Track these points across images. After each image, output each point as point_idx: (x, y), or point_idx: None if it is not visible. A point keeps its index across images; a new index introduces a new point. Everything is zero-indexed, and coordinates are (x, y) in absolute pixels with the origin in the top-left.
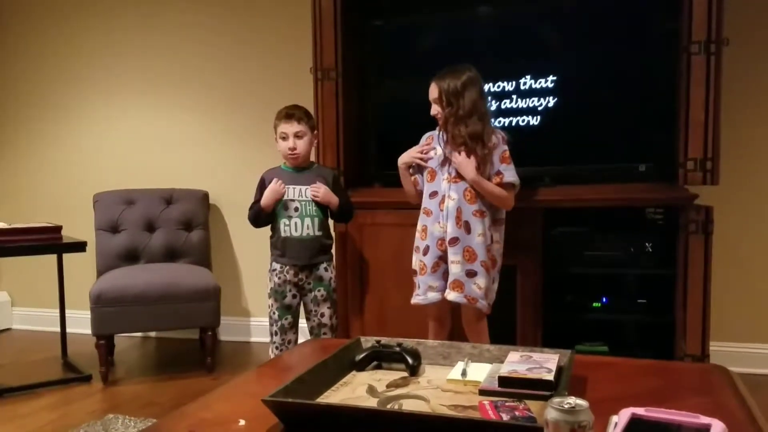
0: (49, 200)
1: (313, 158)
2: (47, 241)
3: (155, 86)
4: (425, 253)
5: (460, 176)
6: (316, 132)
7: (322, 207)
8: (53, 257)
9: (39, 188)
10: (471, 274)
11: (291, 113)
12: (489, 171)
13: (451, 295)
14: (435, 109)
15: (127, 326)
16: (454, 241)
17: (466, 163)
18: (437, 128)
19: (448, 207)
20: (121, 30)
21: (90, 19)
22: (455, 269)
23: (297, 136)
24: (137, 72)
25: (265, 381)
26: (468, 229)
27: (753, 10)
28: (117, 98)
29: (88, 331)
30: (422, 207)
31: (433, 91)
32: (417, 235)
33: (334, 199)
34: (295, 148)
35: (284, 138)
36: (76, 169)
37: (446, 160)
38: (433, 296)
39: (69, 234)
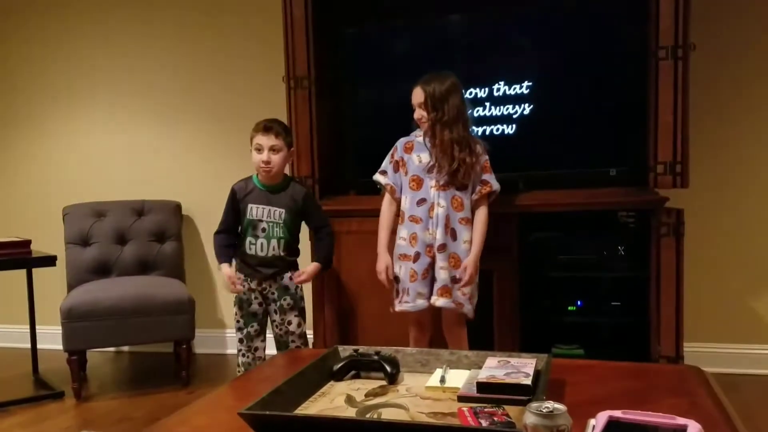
0: (18, 214)
1: (289, 171)
2: (16, 256)
3: (125, 96)
4: (415, 260)
5: (448, 184)
6: (293, 149)
7: (290, 228)
8: (22, 272)
9: (7, 202)
10: (456, 280)
11: (269, 126)
12: (474, 178)
13: (440, 301)
14: (419, 114)
15: (100, 341)
16: (443, 247)
17: (471, 265)
18: (420, 133)
19: (438, 214)
20: (89, 40)
21: (57, 30)
22: (443, 275)
23: (272, 149)
24: (106, 82)
25: (241, 394)
26: (454, 236)
27: (718, 15)
28: (86, 109)
29: (60, 346)
30: (407, 214)
31: (418, 96)
32: (402, 242)
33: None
34: (269, 162)
35: (259, 150)
36: (45, 182)
37: (433, 167)
38: (422, 303)
39: (38, 248)
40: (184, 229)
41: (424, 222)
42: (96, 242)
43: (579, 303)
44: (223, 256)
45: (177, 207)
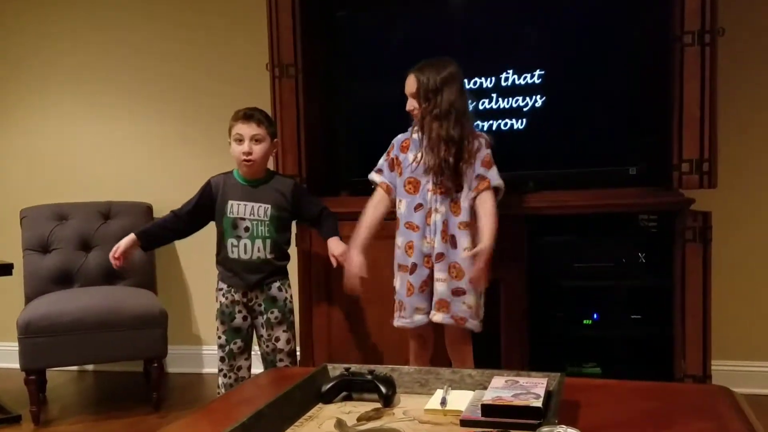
0: None
1: (269, 164)
2: None
3: (90, 86)
4: (412, 272)
5: (446, 186)
6: (276, 140)
7: (277, 227)
8: None
9: None
10: (458, 292)
11: (250, 113)
12: (470, 177)
13: (437, 317)
14: (411, 104)
15: (61, 359)
16: (440, 256)
17: (486, 250)
18: (412, 129)
19: (435, 221)
20: (51, 25)
21: (17, 12)
22: (441, 288)
23: (254, 139)
24: (69, 71)
25: (219, 417)
26: (454, 243)
27: None
28: (45, 100)
29: (16, 365)
30: (403, 221)
31: (411, 84)
32: (399, 252)
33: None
34: (250, 153)
35: (239, 140)
36: (0, 182)
37: (430, 168)
38: (420, 319)
39: None
40: None
41: (422, 230)
42: (57, 248)
43: (595, 316)
44: (141, 229)
45: (148, 209)
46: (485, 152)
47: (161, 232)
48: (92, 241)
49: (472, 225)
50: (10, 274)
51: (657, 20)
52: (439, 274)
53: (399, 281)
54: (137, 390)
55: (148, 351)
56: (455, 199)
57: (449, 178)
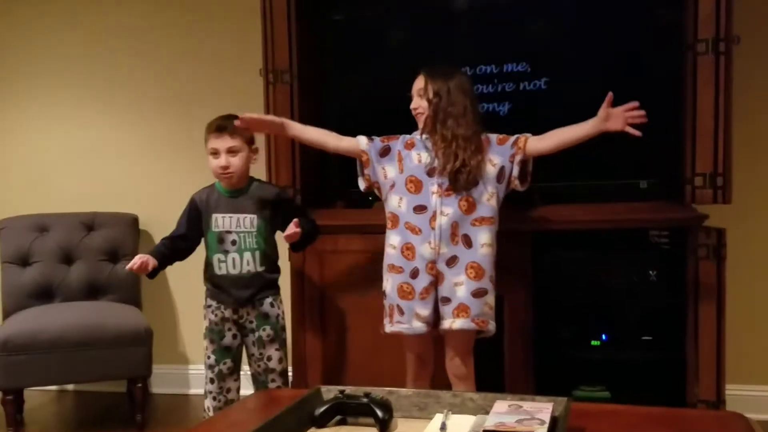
0: None
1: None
2: None
3: (73, 92)
4: (414, 276)
5: (452, 188)
6: (255, 146)
7: (266, 237)
8: None
9: None
10: (480, 293)
11: (222, 126)
12: (485, 180)
13: (457, 323)
14: (417, 103)
15: (40, 378)
16: (453, 260)
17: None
18: (419, 131)
19: (441, 225)
20: (34, 30)
21: None
22: (460, 293)
23: (230, 152)
24: (52, 77)
25: None
26: (468, 242)
27: (765, 3)
28: (25, 105)
29: None
30: (402, 220)
31: (420, 81)
32: (391, 251)
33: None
34: (227, 167)
35: (215, 155)
36: None
37: (434, 170)
38: (419, 327)
39: None
40: (141, 246)
41: (424, 233)
42: (37, 261)
43: (604, 337)
44: (155, 251)
45: (133, 221)
46: (495, 138)
47: (170, 253)
48: (74, 253)
49: (490, 221)
50: None
51: (669, 27)
52: (456, 278)
53: (390, 283)
54: (120, 411)
55: (131, 370)
56: (467, 197)
57: (468, 179)
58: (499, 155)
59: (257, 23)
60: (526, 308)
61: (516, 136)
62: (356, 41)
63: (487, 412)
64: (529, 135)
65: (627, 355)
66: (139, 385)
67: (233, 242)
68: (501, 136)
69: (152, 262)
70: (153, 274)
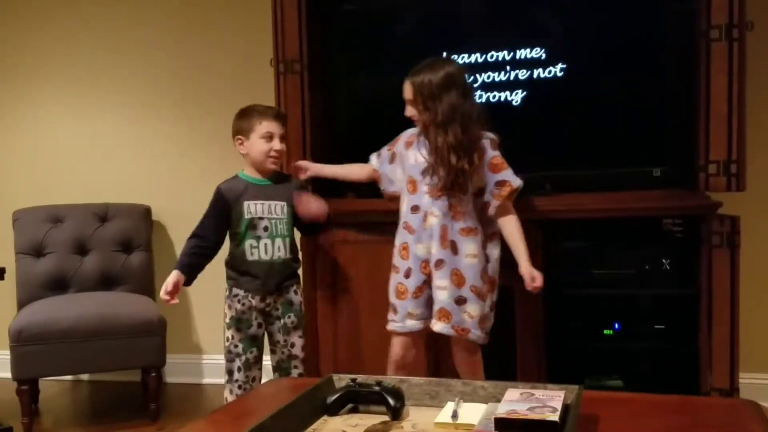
0: None
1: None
2: None
3: (85, 84)
4: (407, 276)
5: (442, 189)
6: None
7: (290, 227)
8: None
9: None
10: (460, 301)
11: (281, 114)
12: (475, 182)
13: (438, 326)
14: (410, 111)
15: (55, 368)
16: (440, 263)
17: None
18: (418, 131)
19: (432, 225)
20: (43, 16)
21: (5, 10)
22: (442, 296)
23: (283, 138)
24: (64, 70)
25: (219, 429)
26: (455, 249)
27: None
28: (39, 97)
29: (8, 374)
30: (402, 220)
31: (408, 92)
32: (394, 252)
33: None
34: (281, 151)
35: (269, 138)
36: None
37: (428, 169)
38: (412, 324)
39: None
40: (154, 237)
41: (417, 233)
42: (51, 252)
43: (616, 326)
44: (181, 264)
45: (146, 211)
46: (492, 154)
47: (198, 260)
48: (88, 244)
49: (476, 231)
50: (2, 279)
51: (682, 13)
52: (439, 282)
53: (390, 283)
54: (134, 401)
55: (145, 360)
56: (454, 204)
57: (462, 185)
58: (486, 179)
59: (268, 13)
60: (537, 298)
61: (503, 178)
62: (367, 30)
63: (498, 401)
64: (515, 185)
65: (640, 345)
66: (153, 374)
67: (265, 228)
68: (495, 160)
69: (180, 280)
70: (188, 283)
